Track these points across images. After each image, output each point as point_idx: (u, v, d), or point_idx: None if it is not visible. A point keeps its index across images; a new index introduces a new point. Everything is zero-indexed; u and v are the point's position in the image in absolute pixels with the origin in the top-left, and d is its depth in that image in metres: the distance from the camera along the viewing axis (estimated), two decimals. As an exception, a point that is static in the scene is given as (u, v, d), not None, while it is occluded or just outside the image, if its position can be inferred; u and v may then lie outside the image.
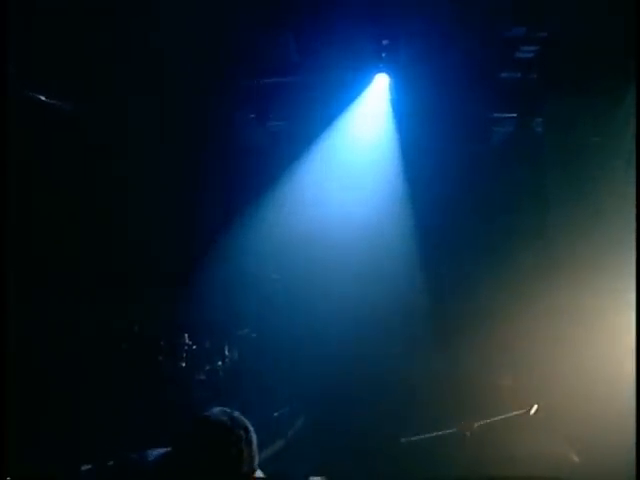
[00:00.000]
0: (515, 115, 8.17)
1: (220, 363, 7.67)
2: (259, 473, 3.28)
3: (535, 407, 5.40)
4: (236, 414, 3.23)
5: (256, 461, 3.19)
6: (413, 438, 4.92)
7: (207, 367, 7.64)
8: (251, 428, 3.21)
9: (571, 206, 7.75)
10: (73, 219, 7.94)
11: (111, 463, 3.37)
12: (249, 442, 3.18)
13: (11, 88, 6.03)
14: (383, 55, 7.53)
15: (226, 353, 7.78)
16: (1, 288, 4.64)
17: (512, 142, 8.21)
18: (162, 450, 3.27)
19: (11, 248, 5.13)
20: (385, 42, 7.50)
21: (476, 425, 5.20)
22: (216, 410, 3.23)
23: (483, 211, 8.16)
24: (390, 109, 7.86)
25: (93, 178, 8.08)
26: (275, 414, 7.54)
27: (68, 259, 7.86)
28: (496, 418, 5.32)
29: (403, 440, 4.83)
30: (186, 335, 7.61)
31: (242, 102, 8.27)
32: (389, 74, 7.78)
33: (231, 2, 7.29)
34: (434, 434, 5.03)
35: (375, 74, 7.82)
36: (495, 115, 8.23)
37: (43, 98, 7.94)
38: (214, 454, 3.12)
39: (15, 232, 5.50)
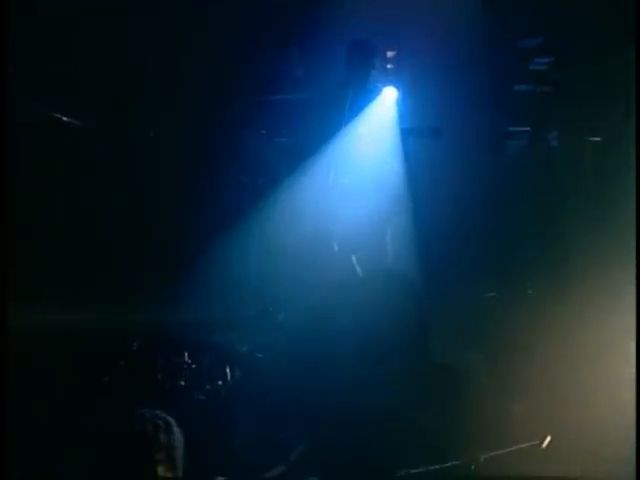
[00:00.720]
0: (529, 129, 8.05)
1: (221, 382, 7.48)
2: None
3: (548, 438, 5.09)
4: (158, 411, 3.43)
5: (177, 454, 3.32)
6: (412, 471, 4.62)
7: (207, 386, 7.46)
8: (174, 423, 3.38)
9: (589, 217, 7.63)
10: (72, 227, 7.91)
11: None
12: (168, 432, 3.32)
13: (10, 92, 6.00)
14: (389, 67, 7.40)
15: (227, 372, 7.59)
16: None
17: (526, 155, 8.08)
18: None
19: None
20: (390, 54, 7.37)
21: (482, 457, 4.90)
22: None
23: (497, 226, 8.06)
24: (398, 123, 7.72)
25: (93, 186, 8.06)
26: (276, 437, 7.31)
27: (68, 268, 7.82)
28: (505, 450, 5.02)
29: (402, 473, 4.54)
30: (186, 353, 7.46)
31: (248, 118, 8.19)
32: (397, 87, 7.64)
33: (233, 17, 7.25)
34: (435, 467, 4.73)
35: (382, 87, 7.70)
36: (508, 128, 8.11)
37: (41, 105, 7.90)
38: (131, 441, 3.27)
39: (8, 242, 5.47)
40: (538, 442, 5.07)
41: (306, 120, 8.04)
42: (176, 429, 3.38)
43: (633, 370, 5.50)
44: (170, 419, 3.41)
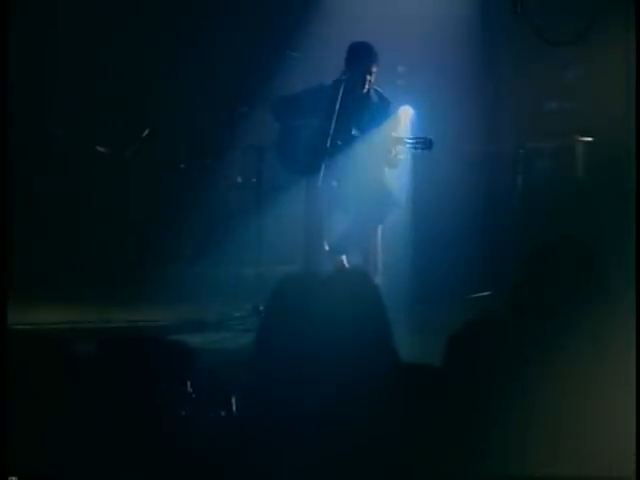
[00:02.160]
0: (552, 145, 7.96)
1: (224, 413, 7.25)
2: None
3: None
4: None
5: None
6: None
7: (210, 416, 7.25)
8: None
9: (587, 218, 7.51)
10: (71, 229, 8.16)
11: None
12: None
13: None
14: (398, 83, 7.31)
15: (232, 402, 7.38)
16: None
17: (546, 174, 7.95)
18: None
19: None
20: (401, 69, 7.28)
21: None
22: None
23: (494, 226, 8.04)
24: (411, 142, 7.59)
25: (92, 188, 8.35)
26: (280, 470, 7.02)
27: (68, 270, 8.04)
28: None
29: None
30: (188, 382, 7.28)
31: (245, 118, 8.29)
32: (411, 105, 7.52)
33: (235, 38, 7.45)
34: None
35: (397, 106, 7.61)
36: (530, 145, 8.03)
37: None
38: None
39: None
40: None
41: (302, 119, 8.03)
42: None
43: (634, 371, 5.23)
44: None
